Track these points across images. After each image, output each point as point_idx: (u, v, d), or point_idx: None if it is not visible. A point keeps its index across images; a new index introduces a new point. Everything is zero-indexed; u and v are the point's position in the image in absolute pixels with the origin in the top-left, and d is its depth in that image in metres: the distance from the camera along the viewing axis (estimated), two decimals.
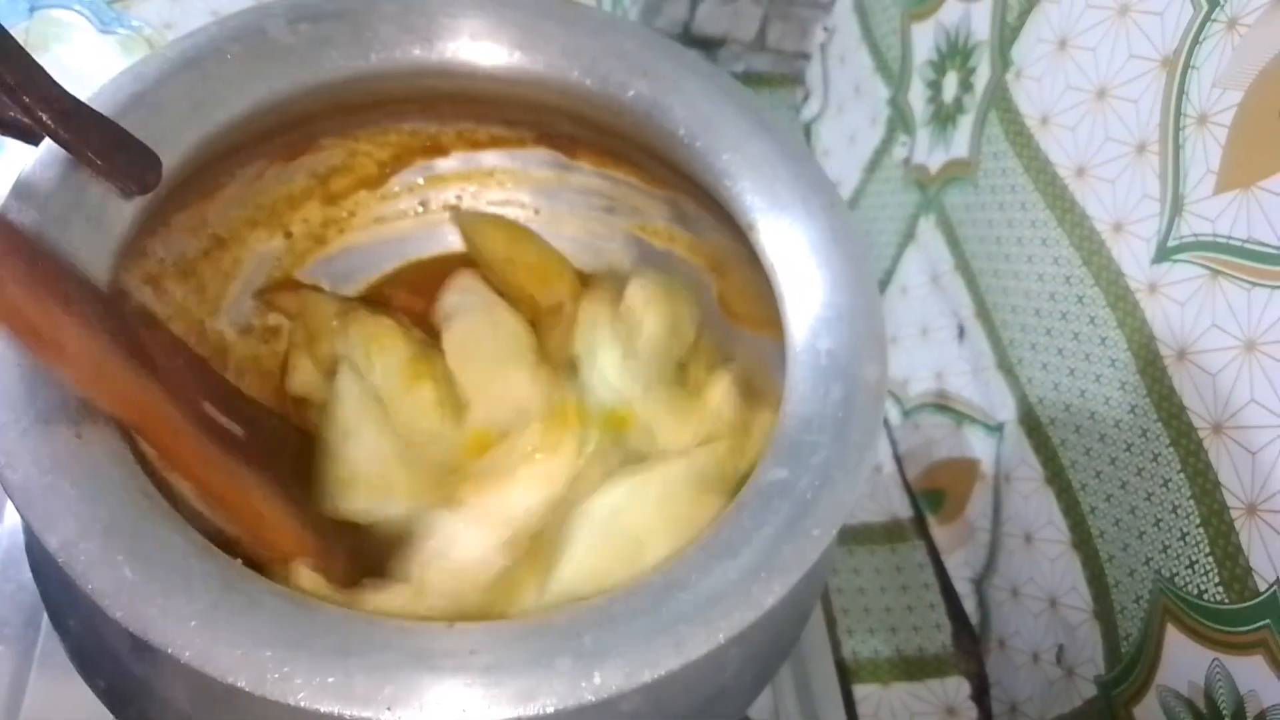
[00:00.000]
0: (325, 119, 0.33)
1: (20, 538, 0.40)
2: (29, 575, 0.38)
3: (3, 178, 0.27)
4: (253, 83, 0.29)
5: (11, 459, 0.22)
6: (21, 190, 0.26)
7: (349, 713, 0.21)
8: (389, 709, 0.21)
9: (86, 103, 0.26)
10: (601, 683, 0.22)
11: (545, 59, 0.32)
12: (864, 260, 0.29)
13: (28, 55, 0.24)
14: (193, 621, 0.21)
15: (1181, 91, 0.36)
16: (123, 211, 0.27)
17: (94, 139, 0.25)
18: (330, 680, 0.21)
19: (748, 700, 0.30)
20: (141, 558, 0.22)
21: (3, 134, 0.25)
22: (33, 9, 0.58)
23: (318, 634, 0.22)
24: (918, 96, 0.54)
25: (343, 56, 0.31)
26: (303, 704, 0.21)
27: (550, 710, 0.21)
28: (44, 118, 0.24)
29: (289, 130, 0.32)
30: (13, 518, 0.40)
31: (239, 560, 0.23)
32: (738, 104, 0.32)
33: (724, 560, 0.24)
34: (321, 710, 0.21)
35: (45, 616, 0.37)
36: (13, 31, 0.60)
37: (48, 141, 0.26)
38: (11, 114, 0.24)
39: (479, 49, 0.32)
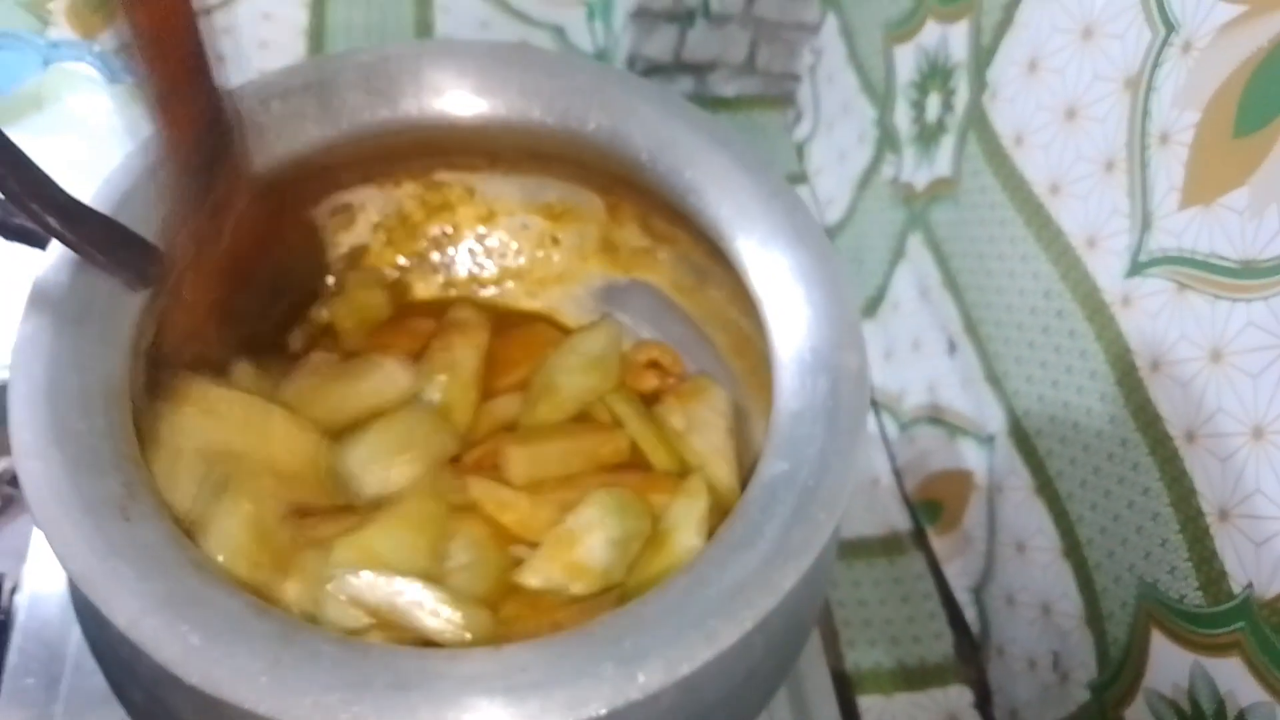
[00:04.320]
0: (310, 186, 0.35)
1: (49, 576, 0.41)
2: (55, 612, 0.40)
3: None
4: None
5: (70, 549, 0.24)
6: (38, 295, 0.27)
7: None
8: None
9: (88, 204, 0.27)
10: (645, 681, 0.23)
11: (506, 102, 0.33)
12: (831, 257, 0.31)
13: (31, 161, 0.25)
14: (262, 677, 0.23)
15: (1145, 111, 0.37)
16: (131, 304, 0.28)
17: (99, 238, 0.27)
18: (397, 714, 0.23)
19: (774, 686, 0.31)
20: (204, 625, 0.23)
21: (9, 239, 0.27)
22: (46, 62, 0.60)
23: (377, 673, 0.23)
24: (903, 116, 0.55)
25: (316, 128, 0.32)
26: None
27: (603, 712, 0.23)
28: (51, 222, 0.25)
29: (276, 202, 0.34)
30: (38, 556, 0.42)
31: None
32: (692, 124, 0.33)
33: (741, 553, 0.25)
34: None
35: (70, 651, 0.39)
36: (28, 84, 0.63)
37: (53, 245, 0.27)
38: (16, 220, 0.26)
39: (443, 102, 0.33)
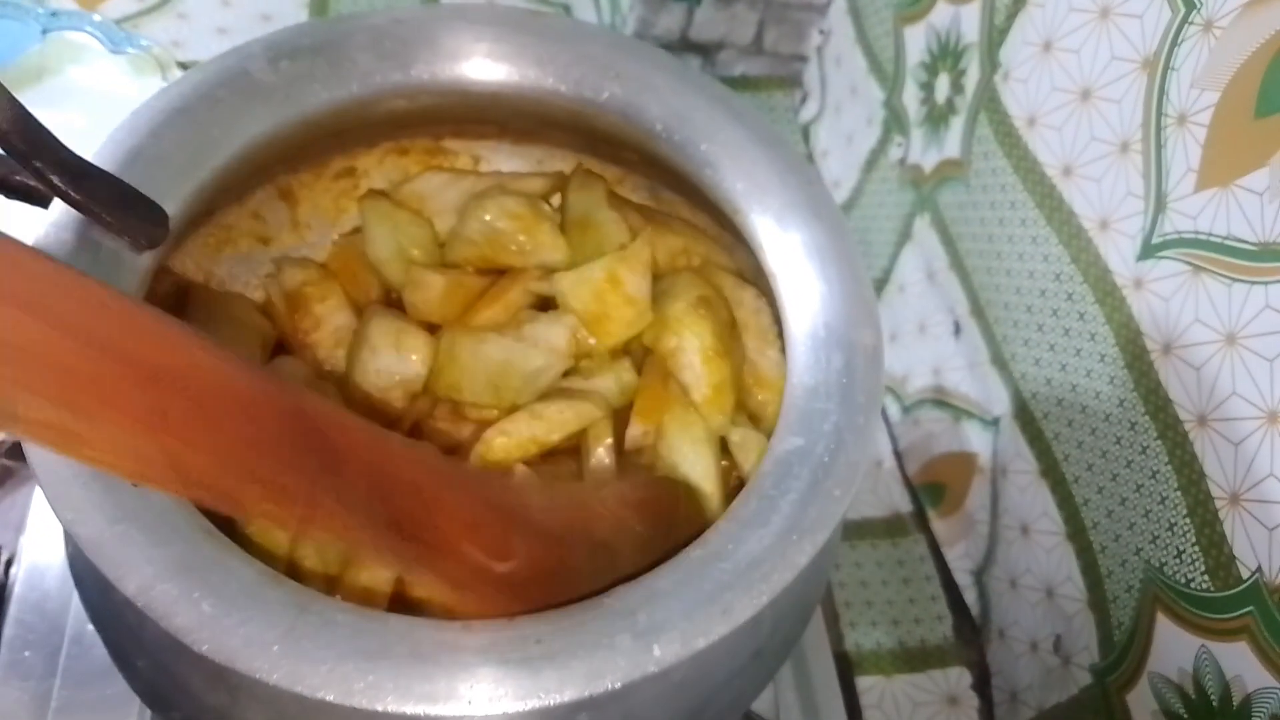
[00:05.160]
0: (316, 149, 0.34)
1: (47, 549, 0.41)
2: (53, 584, 0.40)
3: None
4: (243, 124, 0.30)
5: (80, 514, 0.23)
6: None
7: (434, 711, 0.22)
8: (470, 703, 0.22)
9: (93, 162, 0.26)
10: (661, 654, 0.23)
11: (520, 70, 0.33)
12: (846, 232, 0.31)
13: (35, 120, 0.24)
14: (275, 646, 0.22)
15: (1162, 92, 0.36)
16: (135, 265, 0.28)
17: (103, 198, 0.26)
18: (413, 684, 0.22)
19: (778, 664, 0.31)
20: (217, 592, 0.23)
21: (12, 198, 0.26)
22: (45, 31, 0.59)
23: (392, 643, 0.23)
24: (911, 97, 0.55)
25: (325, 89, 0.32)
26: (390, 709, 0.22)
27: (617, 685, 0.23)
28: (55, 180, 0.24)
29: (284, 163, 0.33)
30: (36, 529, 0.42)
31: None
32: (708, 96, 0.33)
33: (756, 528, 0.25)
34: (408, 713, 0.22)
35: (69, 624, 0.39)
36: (26, 55, 0.62)
37: (56, 204, 0.27)
38: (19, 178, 0.25)
39: (456, 67, 0.33)
